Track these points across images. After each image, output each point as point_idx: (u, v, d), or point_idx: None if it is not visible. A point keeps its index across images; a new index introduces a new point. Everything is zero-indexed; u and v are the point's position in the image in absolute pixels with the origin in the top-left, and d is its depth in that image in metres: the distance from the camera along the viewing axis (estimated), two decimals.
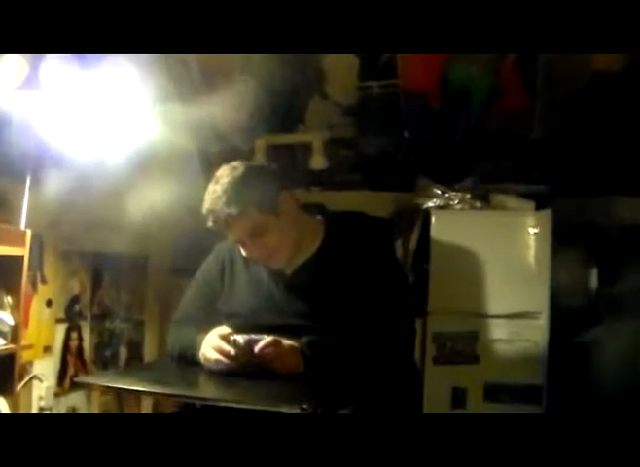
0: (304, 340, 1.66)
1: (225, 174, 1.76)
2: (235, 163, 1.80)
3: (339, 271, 1.79)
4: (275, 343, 1.63)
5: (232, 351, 1.63)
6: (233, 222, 1.73)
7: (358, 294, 1.75)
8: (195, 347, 1.75)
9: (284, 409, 1.39)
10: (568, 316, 3.14)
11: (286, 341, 1.65)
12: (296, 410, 1.35)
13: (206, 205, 1.75)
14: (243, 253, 1.83)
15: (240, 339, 1.64)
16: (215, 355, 1.67)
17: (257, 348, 1.62)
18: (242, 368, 1.65)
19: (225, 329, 1.68)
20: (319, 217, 1.92)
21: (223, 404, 1.53)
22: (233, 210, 1.70)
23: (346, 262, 1.80)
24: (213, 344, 1.68)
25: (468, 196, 3.31)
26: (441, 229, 3.23)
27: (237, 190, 1.72)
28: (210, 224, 1.75)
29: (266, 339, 1.63)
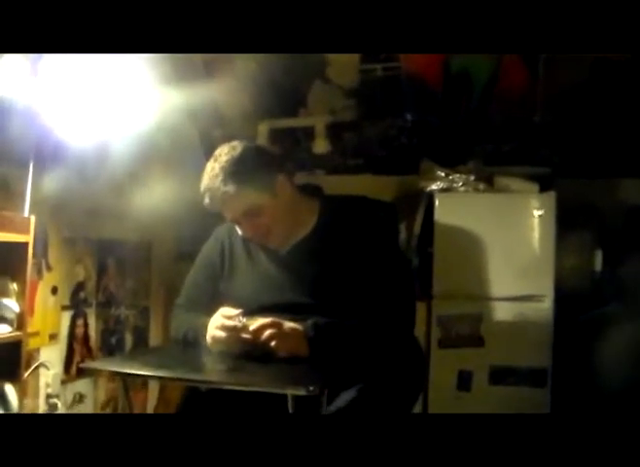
0: (309, 322, 1.67)
1: (223, 153, 1.78)
2: (234, 143, 1.82)
3: (335, 250, 1.80)
4: (274, 324, 1.64)
5: (239, 325, 1.64)
6: (230, 200, 1.74)
7: (355, 273, 1.76)
8: (198, 330, 1.77)
9: (290, 391, 1.40)
10: (573, 299, 3.13)
11: (288, 323, 1.65)
12: (302, 392, 1.35)
13: (204, 183, 1.77)
14: (240, 232, 1.85)
15: (244, 320, 1.65)
16: (222, 333, 1.67)
17: (252, 327, 1.63)
18: (249, 350, 1.65)
19: (229, 310, 1.69)
20: (315, 198, 1.93)
21: (228, 387, 1.54)
22: (230, 189, 1.72)
23: (342, 241, 1.81)
24: (218, 325, 1.68)
25: (472, 178, 3.29)
26: (444, 211, 3.22)
27: (235, 169, 1.74)
28: (207, 202, 1.77)
29: (262, 320, 1.64)
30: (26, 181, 2.32)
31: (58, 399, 2.54)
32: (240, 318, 1.65)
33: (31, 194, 2.32)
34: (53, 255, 2.54)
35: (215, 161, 1.77)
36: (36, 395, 2.45)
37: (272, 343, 1.63)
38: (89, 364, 2.54)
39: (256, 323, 1.64)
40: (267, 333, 1.62)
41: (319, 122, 3.60)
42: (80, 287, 2.76)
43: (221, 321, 1.69)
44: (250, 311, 1.70)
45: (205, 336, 1.73)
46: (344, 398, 1.56)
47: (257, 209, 1.77)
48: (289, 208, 1.84)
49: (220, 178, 1.73)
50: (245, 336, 1.64)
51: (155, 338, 3.34)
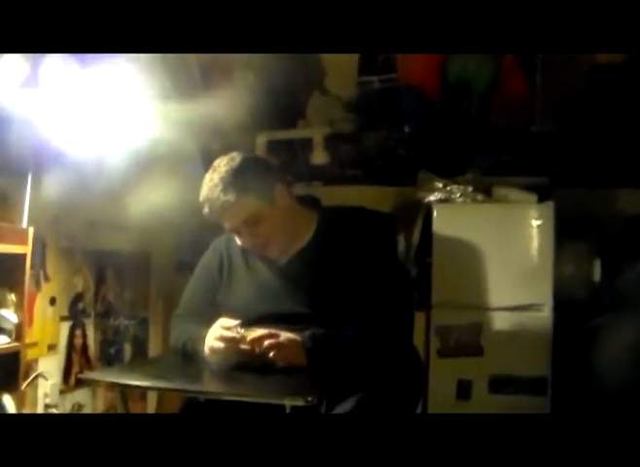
0: (307, 333, 1.67)
1: (222, 163, 1.79)
2: (233, 154, 1.83)
3: (333, 261, 1.81)
4: (271, 335, 1.63)
5: (237, 335, 1.64)
6: (230, 209, 1.75)
7: (353, 284, 1.76)
8: (197, 341, 1.76)
9: (288, 401, 1.39)
10: (572, 308, 3.13)
11: (285, 334, 1.65)
12: (300, 402, 1.35)
13: (203, 194, 1.78)
14: (239, 242, 1.85)
15: (242, 331, 1.65)
16: (221, 344, 1.67)
17: (249, 338, 1.63)
18: (247, 361, 1.65)
19: (228, 321, 1.69)
20: (313, 210, 1.94)
21: (227, 398, 1.54)
22: (230, 197, 1.73)
23: (340, 252, 1.81)
24: (217, 335, 1.68)
25: (470, 189, 3.30)
26: (443, 222, 3.23)
27: (234, 178, 1.75)
28: (206, 211, 1.77)
29: (260, 331, 1.64)
30: (24, 192, 2.32)
31: (57, 409, 2.53)
32: (238, 329, 1.65)
33: (29, 205, 2.32)
34: (51, 266, 2.54)
35: (214, 171, 1.78)
36: (34, 405, 2.44)
37: (270, 354, 1.63)
38: (88, 375, 2.53)
39: (253, 334, 1.64)
40: (265, 343, 1.62)
41: (317, 133, 3.61)
42: (78, 298, 2.75)
43: (219, 332, 1.69)
44: (248, 322, 1.70)
45: (204, 347, 1.73)
46: (343, 408, 1.56)
47: (256, 218, 1.78)
48: (288, 218, 1.85)
49: (219, 188, 1.74)
50: (243, 347, 1.65)
51: (154, 348, 3.33)
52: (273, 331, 1.65)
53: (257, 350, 1.63)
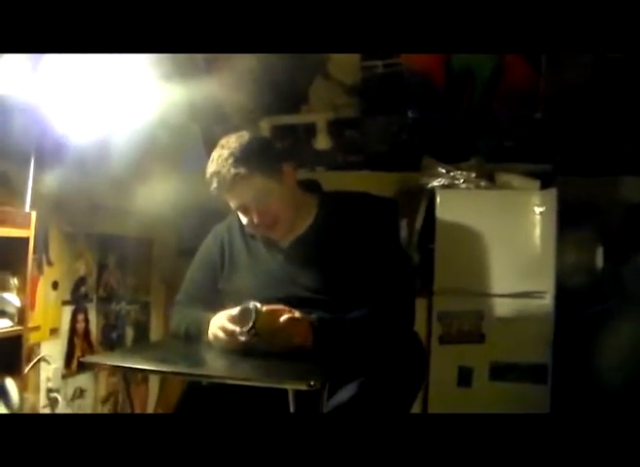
0: (313, 316, 1.66)
1: (231, 140, 1.79)
2: (242, 132, 1.83)
3: (335, 246, 1.80)
4: (288, 311, 1.62)
5: (237, 330, 1.63)
6: (240, 183, 1.74)
7: (355, 268, 1.76)
8: (200, 325, 1.76)
9: (290, 386, 1.40)
10: (574, 295, 3.14)
11: (297, 312, 1.64)
12: (303, 386, 1.35)
13: (211, 169, 1.76)
14: (244, 221, 1.83)
15: (251, 304, 1.61)
16: (224, 335, 1.67)
17: (266, 307, 1.60)
18: (250, 345, 1.64)
19: (233, 311, 1.68)
20: (314, 194, 1.94)
21: (229, 381, 1.54)
22: (241, 170, 1.72)
23: (342, 237, 1.81)
24: (220, 325, 1.68)
25: (473, 175, 3.30)
26: (446, 208, 3.23)
27: (245, 154, 1.75)
28: (214, 187, 1.76)
29: (276, 305, 1.63)
30: (27, 176, 2.32)
31: (59, 393, 2.54)
32: (256, 304, 1.61)
33: (32, 189, 2.32)
34: (53, 250, 2.54)
35: (222, 148, 1.77)
36: (37, 389, 2.45)
37: (285, 330, 1.60)
38: (90, 358, 2.54)
39: (271, 306, 1.62)
40: (285, 317, 1.60)
41: (320, 118, 3.60)
42: (81, 282, 2.76)
43: (223, 323, 1.66)
44: None
45: (206, 331, 1.73)
46: (345, 393, 1.56)
47: (266, 194, 1.77)
48: (292, 199, 1.85)
49: (230, 161, 1.73)
50: (243, 339, 1.62)
51: (156, 332, 3.35)
52: (287, 307, 1.64)
53: (274, 323, 1.59)
